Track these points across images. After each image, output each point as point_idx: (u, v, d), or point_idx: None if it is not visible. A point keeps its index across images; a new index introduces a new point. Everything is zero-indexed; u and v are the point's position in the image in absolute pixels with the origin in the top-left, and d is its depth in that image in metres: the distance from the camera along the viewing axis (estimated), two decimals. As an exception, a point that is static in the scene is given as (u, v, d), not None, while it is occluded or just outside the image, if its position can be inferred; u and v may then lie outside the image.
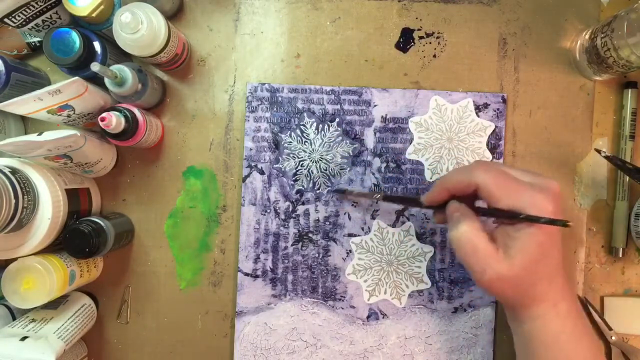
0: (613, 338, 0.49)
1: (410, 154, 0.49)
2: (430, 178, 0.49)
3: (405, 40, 0.50)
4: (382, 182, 0.49)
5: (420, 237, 0.49)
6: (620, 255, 0.49)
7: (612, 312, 0.49)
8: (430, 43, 0.50)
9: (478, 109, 0.49)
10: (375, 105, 0.49)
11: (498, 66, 0.50)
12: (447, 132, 0.49)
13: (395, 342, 0.49)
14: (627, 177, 0.49)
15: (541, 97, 0.50)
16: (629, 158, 0.49)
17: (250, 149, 0.49)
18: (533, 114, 0.50)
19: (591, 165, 0.50)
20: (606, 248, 0.50)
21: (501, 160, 0.49)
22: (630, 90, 0.49)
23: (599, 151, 0.46)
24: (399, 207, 0.49)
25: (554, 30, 0.50)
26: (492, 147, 0.49)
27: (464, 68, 0.50)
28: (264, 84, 0.49)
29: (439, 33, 0.50)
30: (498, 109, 0.49)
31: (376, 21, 0.50)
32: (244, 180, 0.49)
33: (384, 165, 0.49)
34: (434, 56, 0.50)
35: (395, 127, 0.49)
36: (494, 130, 0.49)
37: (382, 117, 0.49)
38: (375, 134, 0.49)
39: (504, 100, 0.49)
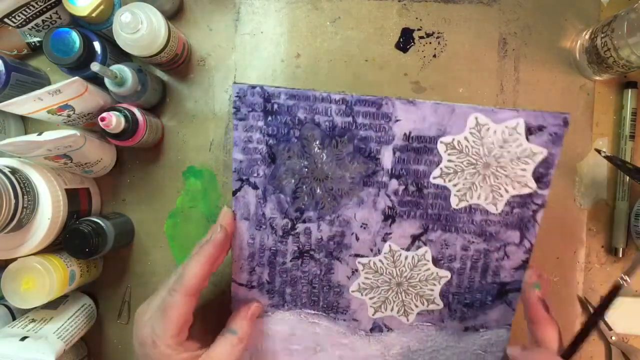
0: (613, 338, 0.49)
1: (436, 177, 0.42)
2: (457, 205, 0.42)
3: (405, 40, 0.50)
4: (398, 205, 0.42)
5: (436, 262, 0.43)
6: (620, 255, 0.49)
7: (612, 312, 0.49)
8: (430, 43, 0.50)
9: (529, 132, 0.41)
10: (397, 120, 0.41)
11: (498, 66, 0.50)
12: (485, 157, 0.41)
13: (399, 351, 0.46)
14: (627, 177, 0.49)
15: (541, 97, 0.50)
16: (629, 158, 0.49)
17: (241, 161, 0.42)
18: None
19: (591, 165, 0.50)
20: (606, 248, 0.50)
21: (546, 192, 0.42)
22: (630, 90, 0.49)
23: (599, 151, 0.46)
24: (417, 232, 0.43)
25: (554, 30, 0.50)
26: (538, 177, 0.42)
27: (464, 68, 0.50)
28: (254, 86, 0.41)
29: (439, 33, 0.50)
30: (555, 133, 0.41)
31: (376, 21, 0.50)
32: (234, 194, 0.42)
33: (402, 187, 0.42)
34: (434, 56, 0.50)
35: (421, 147, 0.41)
36: (545, 158, 0.41)
37: (405, 134, 0.41)
38: (394, 153, 0.41)
39: (566, 123, 0.41)
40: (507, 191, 0.42)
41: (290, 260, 0.44)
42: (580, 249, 0.50)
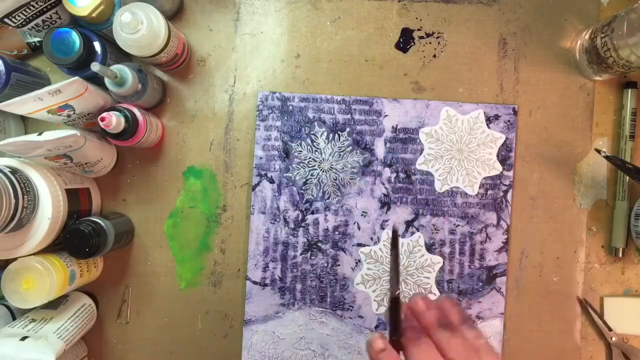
0: (613, 339, 0.49)
1: (421, 164, 0.49)
2: (440, 189, 0.49)
3: (405, 40, 0.50)
4: (392, 192, 0.49)
5: (429, 248, 0.49)
6: (620, 255, 0.49)
7: (612, 312, 0.49)
8: (430, 43, 0.50)
9: (489, 120, 0.49)
10: (386, 116, 0.49)
11: (498, 66, 0.50)
12: (458, 143, 0.49)
13: None
14: (627, 177, 0.49)
15: (541, 97, 0.50)
16: (629, 158, 0.49)
17: (261, 158, 0.49)
18: (533, 114, 0.50)
19: (591, 165, 0.50)
20: (606, 248, 0.50)
21: (511, 173, 0.49)
22: (630, 90, 0.49)
23: (599, 151, 0.46)
24: (409, 217, 0.49)
25: (554, 30, 0.50)
26: (503, 159, 0.49)
27: (464, 68, 0.50)
28: (274, 92, 0.49)
29: (439, 33, 0.50)
30: (509, 121, 0.49)
31: (376, 21, 0.50)
32: (253, 188, 0.49)
33: (394, 175, 0.49)
34: (434, 56, 0.50)
35: (406, 138, 0.49)
36: (504, 142, 0.49)
37: (392, 127, 0.49)
38: (385, 144, 0.49)
39: (515, 112, 0.49)
40: (479, 173, 0.49)
41: (301, 254, 0.49)
42: (580, 249, 0.50)
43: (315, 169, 0.49)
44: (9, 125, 0.49)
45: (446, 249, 0.49)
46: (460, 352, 0.31)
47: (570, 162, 0.50)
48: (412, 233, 0.49)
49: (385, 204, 0.49)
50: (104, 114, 0.41)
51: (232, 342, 0.50)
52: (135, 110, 0.44)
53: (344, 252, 0.49)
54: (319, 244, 0.49)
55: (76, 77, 0.39)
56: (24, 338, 0.41)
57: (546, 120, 0.50)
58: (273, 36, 0.51)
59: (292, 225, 0.49)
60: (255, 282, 0.49)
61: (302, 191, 0.49)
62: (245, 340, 0.49)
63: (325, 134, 0.49)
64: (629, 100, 0.49)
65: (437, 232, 0.49)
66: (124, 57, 0.48)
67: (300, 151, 0.49)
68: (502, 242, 0.49)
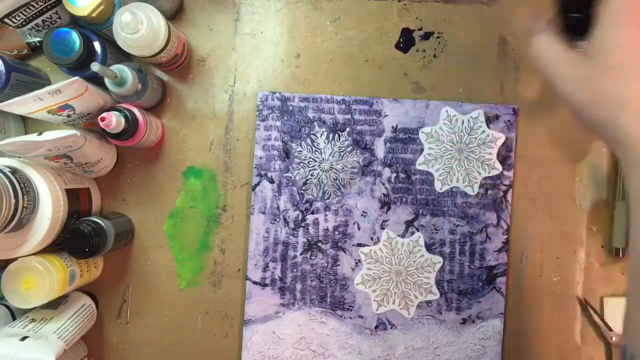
0: (613, 339, 0.49)
1: (421, 164, 0.49)
2: (440, 189, 0.49)
3: (405, 40, 0.50)
4: (392, 192, 0.49)
5: (429, 247, 0.49)
6: (620, 255, 0.49)
7: (612, 312, 0.49)
8: (430, 43, 0.50)
9: (489, 120, 0.49)
10: (385, 116, 0.49)
11: (498, 66, 0.50)
12: (458, 143, 0.49)
13: (403, 352, 0.49)
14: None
15: (541, 97, 0.50)
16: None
17: (261, 158, 0.49)
18: (533, 113, 0.50)
19: (591, 165, 0.50)
20: (606, 248, 0.50)
21: (511, 173, 0.49)
22: (630, 90, 0.49)
23: None
24: (409, 217, 0.49)
25: (554, 30, 0.50)
26: (503, 159, 0.49)
27: (464, 68, 0.50)
28: (274, 92, 0.49)
29: (439, 33, 0.50)
30: (509, 121, 0.49)
31: (376, 21, 0.50)
32: (253, 188, 0.49)
33: (394, 175, 0.49)
34: (434, 56, 0.50)
35: (406, 138, 0.49)
36: (504, 142, 0.49)
37: (392, 127, 0.49)
38: (385, 144, 0.49)
39: (515, 112, 0.49)
40: (479, 173, 0.49)
41: (301, 254, 0.49)
42: (580, 249, 0.50)
43: (315, 169, 0.49)
44: (9, 125, 0.49)
45: (446, 249, 0.49)
46: None
47: (570, 162, 0.50)
48: (412, 233, 0.49)
49: (385, 204, 0.49)
50: (104, 114, 0.41)
51: (232, 342, 0.50)
52: (135, 110, 0.44)
53: (344, 252, 0.49)
54: (319, 244, 0.49)
55: (76, 77, 0.39)
56: (24, 338, 0.41)
57: (547, 120, 0.50)
58: (273, 36, 0.51)
59: (292, 225, 0.49)
60: (255, 282, 0.49)
61: (302, 191, 0.49)
62: (245, 340, 0.49)
63: (325, 134, 0.49)
64: (629, 100, 0.49)
65: (437, 232, 0.49)
66: (124, 57, 0.48)
67: (300, 151, 0.49)
68: (502, 242, 0.49)
